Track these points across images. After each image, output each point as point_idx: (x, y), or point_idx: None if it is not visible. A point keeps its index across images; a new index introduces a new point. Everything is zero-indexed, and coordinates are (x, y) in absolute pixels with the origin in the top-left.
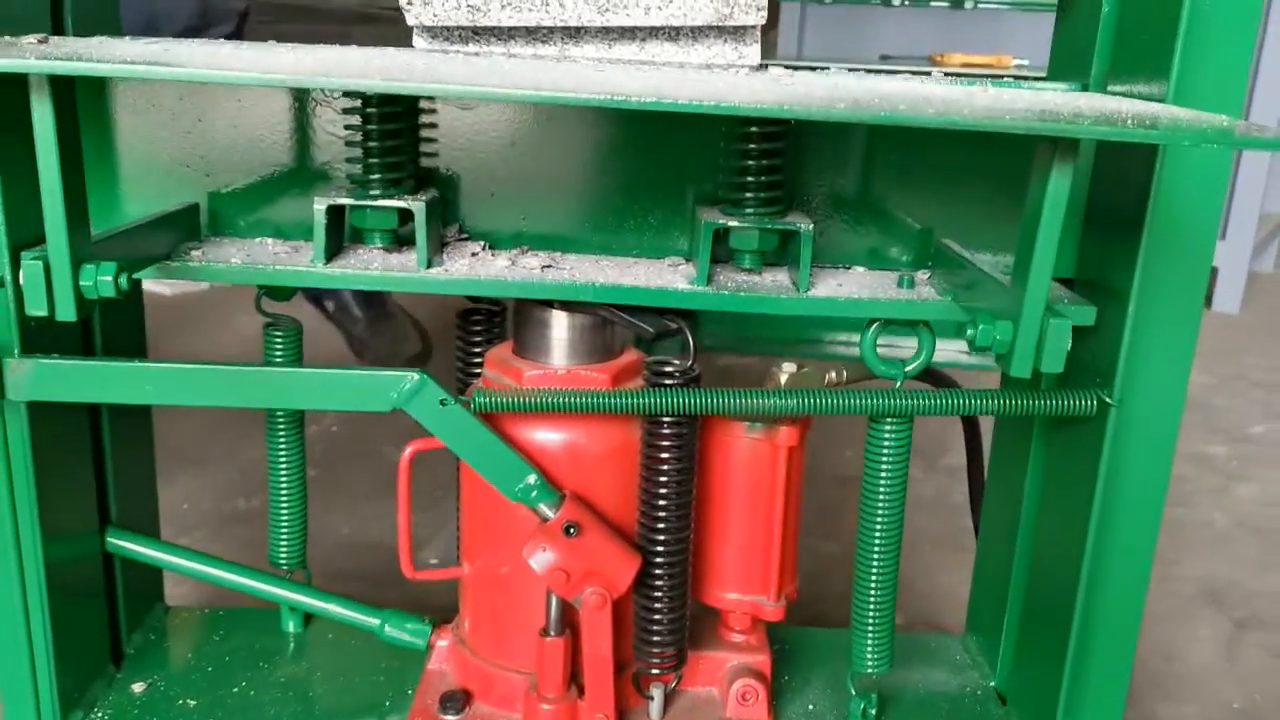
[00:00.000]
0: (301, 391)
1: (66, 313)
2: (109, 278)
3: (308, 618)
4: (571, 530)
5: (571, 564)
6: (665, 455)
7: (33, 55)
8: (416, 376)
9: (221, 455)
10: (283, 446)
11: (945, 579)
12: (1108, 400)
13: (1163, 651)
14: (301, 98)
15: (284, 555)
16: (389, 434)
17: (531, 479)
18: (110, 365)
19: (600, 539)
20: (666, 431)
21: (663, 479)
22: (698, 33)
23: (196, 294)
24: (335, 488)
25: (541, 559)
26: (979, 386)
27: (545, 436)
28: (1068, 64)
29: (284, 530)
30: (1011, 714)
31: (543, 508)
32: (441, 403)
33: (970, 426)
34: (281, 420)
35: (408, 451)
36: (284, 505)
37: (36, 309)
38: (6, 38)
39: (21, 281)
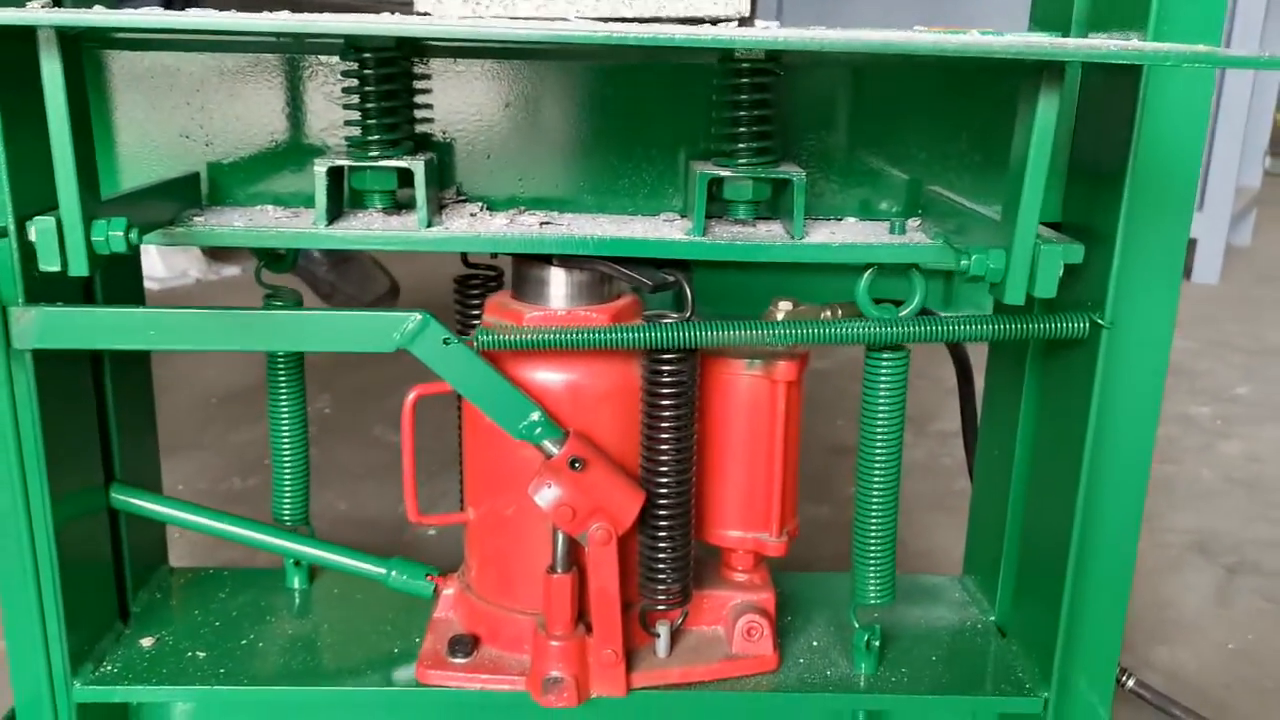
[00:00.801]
0: (306, 333)
1: (79, 267)
2: (120, 232)
3: (312, 575)
4: (576, 464)
5: (577, 500)
6: (666, 392)
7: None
8: (419, 316)
9: (213, 440)
10: (284, 399)
11: (939, 537)
12: (1100, 322)
13: (1157, 599)
14: (299, 66)
15: (287, 510)
16: (380, 415)
17: (535, 416)
18: (114, 312)
19: (604, 475)
20: (667, 368)
21: (664, 416)
22: None
23: (182, 289)
24: (330, 466)
25: (547, 495)
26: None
27: (547, 377)
28: (1048, 19)
29: (287, 484)
30: (1012, 644)
31: (547, 444)
32: (445, 342)
33: (963, 371)
34: (282, 371)
35: (411, 395)
36: (286, 459)
37: (49, 264)
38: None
39: (34, 237)
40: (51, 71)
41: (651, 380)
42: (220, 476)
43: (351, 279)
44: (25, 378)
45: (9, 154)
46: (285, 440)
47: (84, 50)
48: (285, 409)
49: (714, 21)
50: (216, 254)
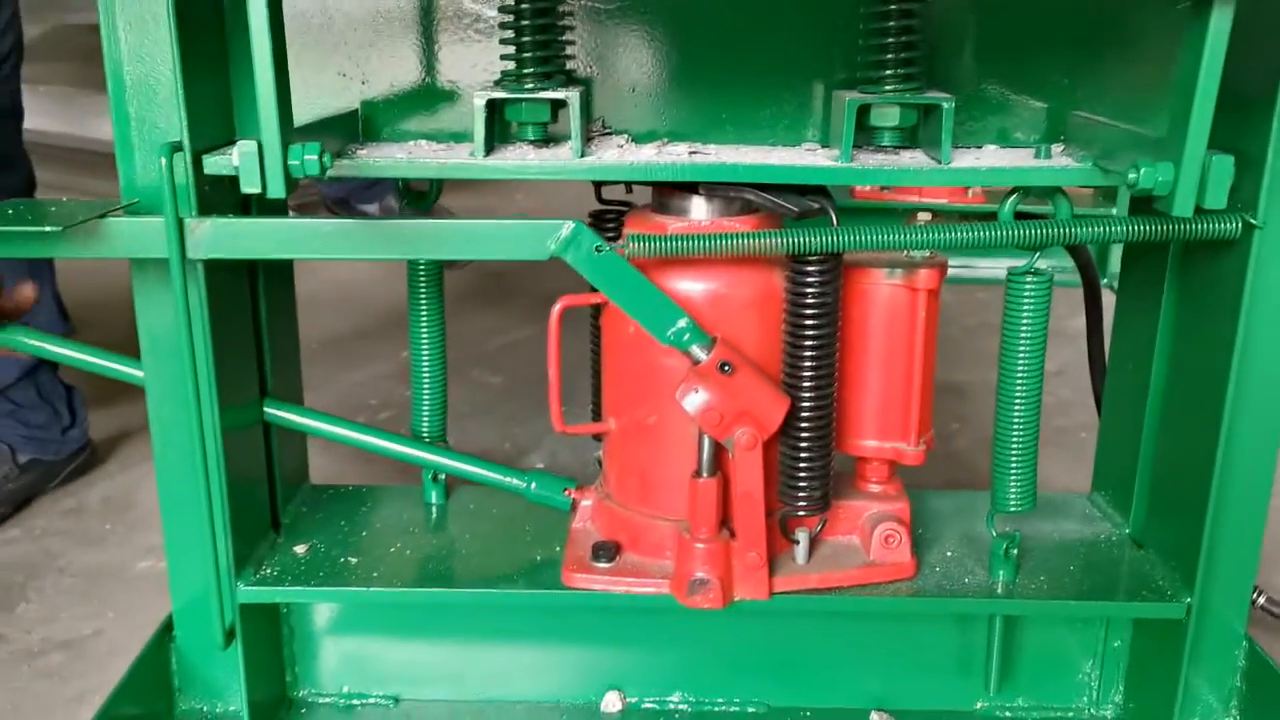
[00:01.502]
0: (462, 242)
1: (277, 189)
2: (314, 156)
3: (447, 491)
4: (726, 368)
5: (724, 404)
6: (812, 300)
7: None
8: (572, 225)
9: (319, 381)
10: (424, 314)
11: (1045, 470)
12: (1253, 221)
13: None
14: (450, 5)
15: (426, 425)
16: (478, 360)
17: (683, 322)
18: (281, 223)
19: (751, 380)
20: (813, 276)
21: (809, 324)
22: None
23: None
24: None
25: (694, 400)
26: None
27: (691, 286)
28: None
29: (426, 399)
30: (1150, 555)
31: (695, 350)
32: (597, 249)
33: (1090, 288)
34: (424, 288)
35: (557, 307)
36: (426, 374)
37: (250, 186)
38: None
39: (237, 161)
40: (258, 6)
41: (796, 289)
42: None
43: None
44: (198, 288)
45: (187, 82)
46: (425, 355)
47: None
48: (425, 325)
49: None
50: (303, 208)
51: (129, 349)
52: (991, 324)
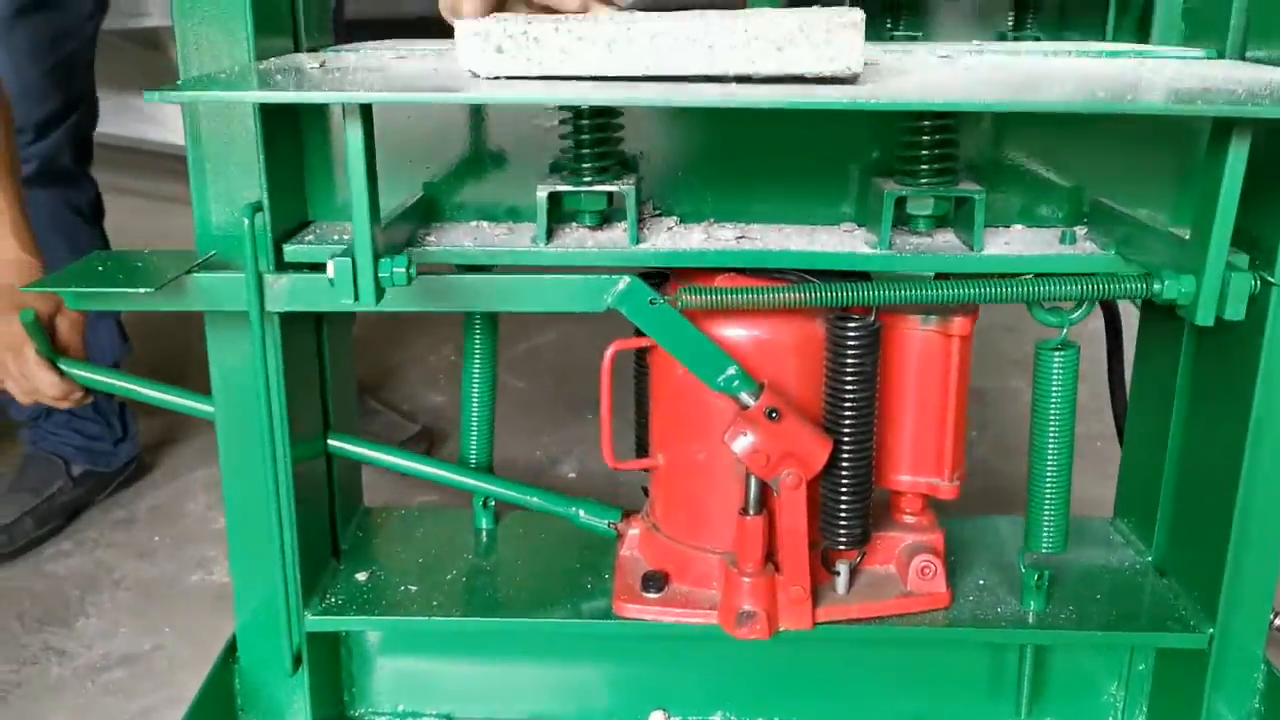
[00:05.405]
0: (523, 295)
1: (368, 300)
2: (402, 269)
3: (497, 516)
4: (774, 415)
5: (770, 447)
6: (853, 349)
7: (326, 86)
8: (628, 279)
9: None
10: (477, 353)
11: None
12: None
13: None
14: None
15: (474, 453)
16: (505, 365)
17: (732, 370)
18: None
19: (795, 424)
20: (855, 328)
21: (849, 372)
22: None
23: None
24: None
25: (743, 443)
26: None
27: (737, 332)
28: (1201, 28)
29: (474, 429)
30: (1172, 584)
31: (743, 396)
32: (651, 302)
33: (1112, 324)
34: (479, 330)
35: (610, 350)
36: (476, 407)
37: (344, 297)
38: (278, 61)
39: (332, 274)
40: (354, 137)
41: (837, 340)
42: None
43: None
44: (273, 337)
45: (267, 144)
46: (476, 389)
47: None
48: (478, 362)
49: (820, 80)
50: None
51: (174, 363)
52: (1006, 325)
